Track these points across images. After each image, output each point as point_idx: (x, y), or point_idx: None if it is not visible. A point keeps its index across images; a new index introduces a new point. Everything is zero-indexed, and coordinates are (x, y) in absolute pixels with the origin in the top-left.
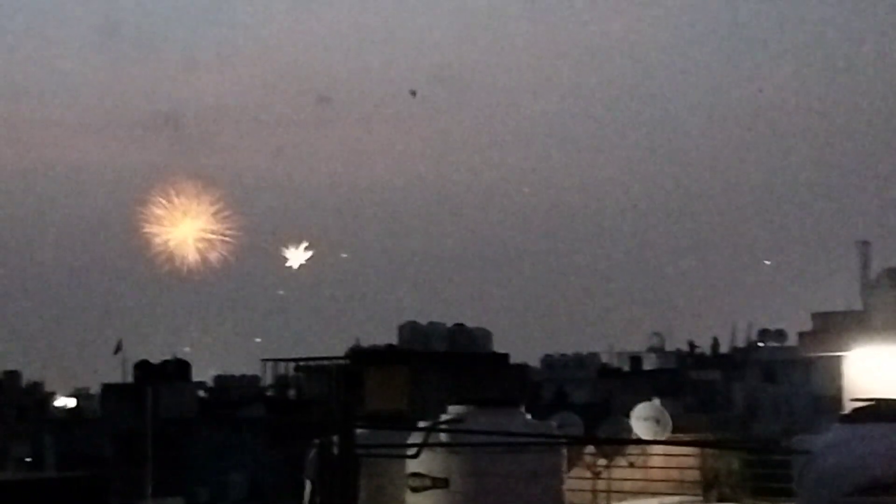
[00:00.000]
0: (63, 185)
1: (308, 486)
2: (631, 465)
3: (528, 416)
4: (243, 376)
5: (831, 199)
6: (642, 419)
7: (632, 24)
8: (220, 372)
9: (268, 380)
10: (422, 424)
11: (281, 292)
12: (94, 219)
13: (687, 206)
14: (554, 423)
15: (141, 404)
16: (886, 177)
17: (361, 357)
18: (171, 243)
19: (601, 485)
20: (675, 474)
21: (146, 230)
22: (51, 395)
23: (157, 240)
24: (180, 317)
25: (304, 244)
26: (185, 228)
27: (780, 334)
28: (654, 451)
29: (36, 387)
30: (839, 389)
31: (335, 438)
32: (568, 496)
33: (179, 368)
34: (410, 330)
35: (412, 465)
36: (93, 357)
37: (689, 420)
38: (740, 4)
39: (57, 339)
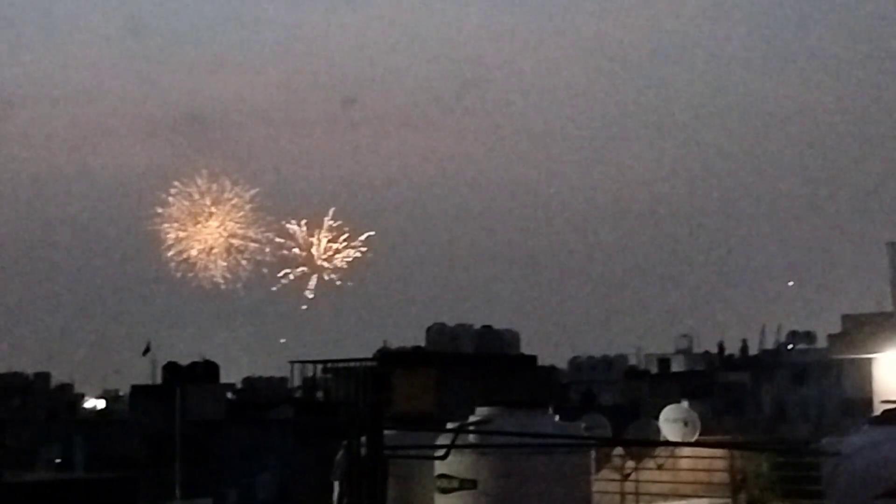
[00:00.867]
0: (89, 187)
1: (336, 487)
2: (659, 467)
3: (557, 418)
4: (271, 378)
5: (862, 201)
6: (670, 421)
7: (659, 25)
8: (248, 374)
9: (295, 381)
10: (450, 426)
11: (308, 294)
12: (124, 220)
13: (717, 208)
14: (582, 425)
15: (170, 406)
16: None
17: (389, 359)
18: (198, 247)
19: (629, 487)
20: (703, 476)
21: (170, 234)
22: (80, 397)
23: (182, 244)
24: (208, 319)
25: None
26: (211, 231)
27: (810, 336)
28: (682, 454)
29: (65, 388)
30: (869, 391)
31: (363, 440)
32: (596, 498)
33: (208, 370)
34: (438, 332)
35: (440, 467)
36: (122, 359)
37: (718, 422)
38: (775, 7)
39: (86, 341)
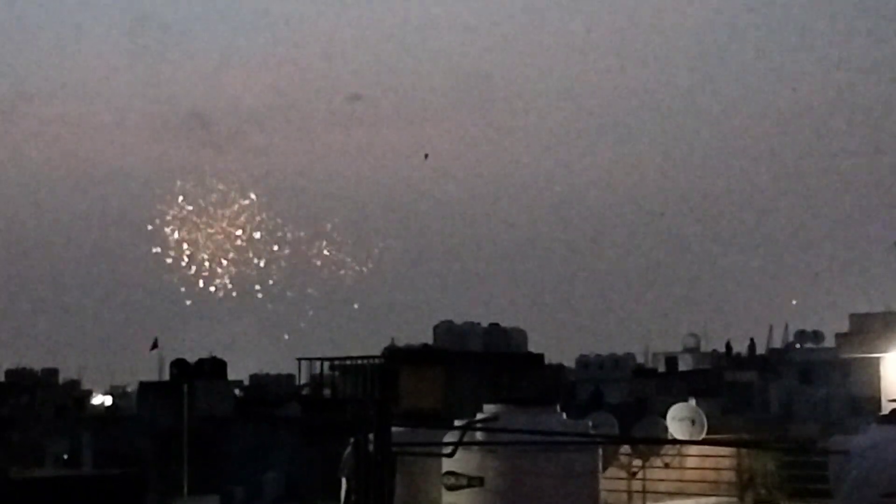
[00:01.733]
0: (96, 184)
1: (344, 484)
2: (666, 465)
3: (564, 416)
4: (279, 375)
5: (870, 200)
6: (678, 419)
7: (669, 23)
8: (255, 371)
9: (303, 379)
10: (457, 423)
11: (311, 291)
12: (133, 218)
13: (724, 206)
14: (589, 423)
15: (177, 402)
16: None
17: (397, 356)
18: (204, 246)
19: (636, 485)
20: (710, 475)
21: (176, 233)
22: (88, 393)
23: (189, 242)
24: (216, 316)
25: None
26: (217, 230)
27: (818, 335)
28: (689, 452)
29: (73, 384)
30: (877, 390)
31: (371, 437)
32: (603, 496)
33: (215, 367)
34: (446, 329)
35: (448, 464)
36: (129, 355)
37: (725, 421)
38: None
39: (94, 338)
